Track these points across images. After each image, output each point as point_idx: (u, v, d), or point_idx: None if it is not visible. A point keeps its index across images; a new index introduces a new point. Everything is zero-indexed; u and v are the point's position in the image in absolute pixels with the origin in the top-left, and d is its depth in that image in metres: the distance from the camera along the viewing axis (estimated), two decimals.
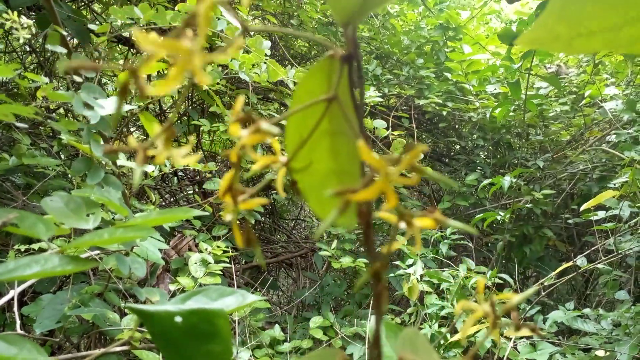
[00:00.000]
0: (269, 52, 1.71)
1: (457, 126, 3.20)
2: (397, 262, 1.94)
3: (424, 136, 3.11)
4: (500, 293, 2.03)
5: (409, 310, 1.91)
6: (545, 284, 2.09)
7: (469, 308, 0.46)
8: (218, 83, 1.84)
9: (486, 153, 3.07)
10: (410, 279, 1.73)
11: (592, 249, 2.32)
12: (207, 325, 0.44)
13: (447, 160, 3.32)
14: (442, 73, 2.97)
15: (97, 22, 1.59)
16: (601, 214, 2.18)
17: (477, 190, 2.61)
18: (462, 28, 2.98)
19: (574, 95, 2.87)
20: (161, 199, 2.07)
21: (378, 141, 2.19)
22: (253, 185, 0.47)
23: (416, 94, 2.81)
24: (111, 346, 0.81)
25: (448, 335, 1.71)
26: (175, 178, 2.24)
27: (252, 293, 0.63)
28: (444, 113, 2.87)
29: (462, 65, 2.73)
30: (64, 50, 1.33)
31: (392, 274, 2.03)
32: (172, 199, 2.11)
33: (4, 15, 1.24)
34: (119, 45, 1.86)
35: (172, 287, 1.58)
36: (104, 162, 1.39)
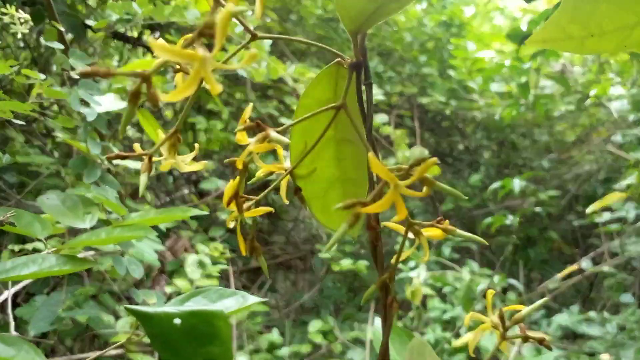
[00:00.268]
0: (269, 49, 1.67)
1: (460, 125, 3.16)
2: (400, 265, 1.90)
3: (426, 135, 3.07)
4: (505, 296, 2.00)
5: (411, 314, 1.88)
6: (550, 286, 2.06)
7: (479, 319, 0.44)
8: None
9: (490, 153, 3.03)
10: (413, 282, 1.69)
11: (597, 250, 2.29)
12: (207, 327, 0.44)
13: (450, 160, 3.28)
14: (445, 71, 2.93)
15: (93, 17, 1.55)
16: (606, 215, 2.15)
17: (481, 190, 2.58)
18: (466, 25, 2.94)
19: (580, 95, 2.84)
20: (156, 199, 2.03)
21: (381, 138, 2.16)
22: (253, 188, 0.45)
23: (419, 92, 2.77)
24: (107, 349, 0.78)
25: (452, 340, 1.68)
26: (171, 177, 2.21)
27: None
28: (447, 112, 2.83)
29: (466, 63, 2.69)
30: (60, 46, 1.29)
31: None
32: (167, 199, 2.08)
33: (2, 9, 1.21)
34: (114, 41, 1.82)
35: (169, 290, 1.55)
36: (99, 161, 1.36)
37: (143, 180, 0.35)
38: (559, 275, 2.12)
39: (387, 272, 0.37)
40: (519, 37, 1.99)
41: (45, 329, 1.28)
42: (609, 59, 2.78)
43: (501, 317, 0.43)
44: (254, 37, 0.36)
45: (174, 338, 0.43)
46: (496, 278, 1.85)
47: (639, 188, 2.02)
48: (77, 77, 1.28)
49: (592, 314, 2.08)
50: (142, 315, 0.43)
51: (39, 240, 0.75)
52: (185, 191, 2.28)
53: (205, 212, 0.86)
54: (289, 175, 0.44)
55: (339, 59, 0.42)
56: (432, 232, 0.38)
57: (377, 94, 2.08)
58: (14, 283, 1.09)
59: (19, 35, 1.18)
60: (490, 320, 0.43)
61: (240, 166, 0.38)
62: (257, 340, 1.85)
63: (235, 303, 0.56)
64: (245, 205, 0.40)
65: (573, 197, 2.72)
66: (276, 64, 1.70)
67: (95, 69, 0.26)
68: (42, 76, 1.11)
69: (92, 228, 1.02)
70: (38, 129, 1.59)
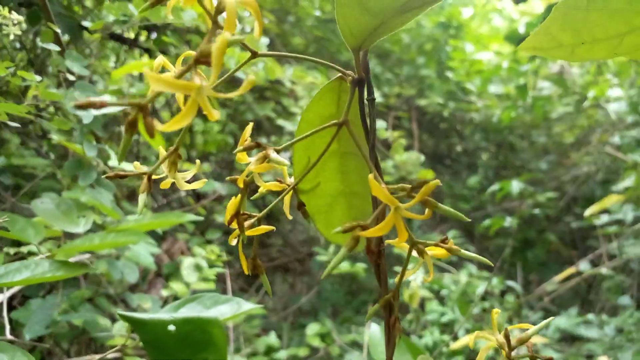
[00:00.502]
0: (265, 50, 1.66)
1: (458, 127, 3.16)
2: (397, 268, 1.89)
3: (424, 137, 3.07)
4: (503, 299, 1.99)
5: (408, 317, 1.87)
6: (548, 289, 2.05)
7: (484, 338, 0.43)
8: None
9: (488, 154, 3.03)
10: (411, 285, 1.68)
11: (595, 253, 2.29)
12: (201, 334, 0.43)
13: (448, 161, 3.28)
14: (443, 72, 2.93)
15: (89, 19, 1.54)
16: (604, 217, 2.15)
17: (479, 192, 2.57)
18: (464, 26, 2.93)
19: (578, 96, 2.84)
20: (153, 201, 2.02)
21: (379, 142, 2.15)
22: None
23: (417, 93, 2.77)
24: (106, 353, 0.77)
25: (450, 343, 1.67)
26: None
27: (247, 299, 0.62)
28: (445, 113, 2.83)
29: (464, 64, 2.69)
30: (57, 48, 1.28)
31: (391, 280, 1.98)
32: (164, 201, 2.06)
33: None
34: (111, 42, 1.81)
35: (165, 293, 1.54)
36: (95, 163, 1.35)
37: (142, 199, 0.34)
38: (557, 278, 2.12)
39: (391, 291, 0.37)
40: (516, 39, 1.99)
41: (40, 333, 1.27)
42: (607, 60, 2.78)
43: (507, 337, 0.42)
44: (254, 55, 0.36)
45: (169, 345, 0.42)
46: (494, 280, 1.85)
47: (637, 190, 2.02)
48: (73, 78, 1.28)
49: (590, 316, 2.08)
50: (136, 322, 0.43)
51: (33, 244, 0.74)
52: (182, 193, 2.28)
53: (200, 218, 0.86)
54: (292, 192, 0.43)
55: (340, 74, 0.42)
56: (436, 252, 0.37)
57: (375, 96, 2.07)
58: (9, 287, 1.08)
59: (11, 37, 1.17)
60: (496, 340, 0.42)
61: (241, 185, 0.38)
62: (254, 344, 1.84)
63: (230, 309, 0.55)
64: (247, 223, 0.40)
65: (571, 198, 2.72)
66: (274, 65, 1.69)
67: (90, 100, 0.26)
68: (38, 78, 1.10)
69: (88, 231, 1.01)
70: (34, 130, 1.58)
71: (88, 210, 1.25)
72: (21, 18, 1.27)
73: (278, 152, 0.37)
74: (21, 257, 1.24)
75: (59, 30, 1.29)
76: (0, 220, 0.71)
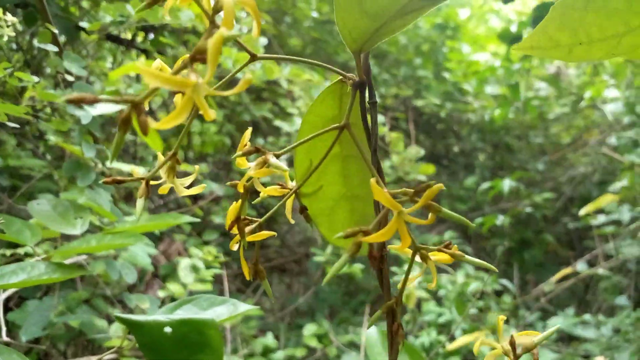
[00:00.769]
0: (263, 50, 1.66)
1: (455, 127, 3.16)
2: (394, 268, 1.89)
3: (421, 137, 3.07)
4: (499, 299, 1.99)
5: (406, 317, 1.87)
6: (545, 289, 2.05)
7: (489, 344, 0.43)
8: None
9: (485, 155, 3.04)
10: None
11: (592, 253, 2.29)
12: (198, 336, 0.44)
13: (445, 162, 3.28)
14: (440, 73, 2.93)
15: (86, 19, 1.54)
16: (601, 218, 2.15)
17: (475, 193, 2.58)
18: (461, 27, 2.94)
19: (574, 97, 2.84)
20: (150, 202, 2.02)
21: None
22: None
23: (414, 94, 2.77)
24: (103, 355, 0.77)
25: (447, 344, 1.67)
26: None
27: (245, 300, 0.62)
28: (442, 114, 2.83)
29: (461, 65, 2.69)
30: (54, 49, 1.28)
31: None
32: (161, 202, 2.06)
33: None
34: (108, 43, 1.81)
35: (162, 294, 1.53)
36: (93, 164, 1.35)
37: (140, 204, 0.34)
38: (554, 278, 2.12)
39: (394, 297, 0.37)
40: (509, 38, 2.00)
41: (37, 334, 1.26)
42: (603, 60, 2.79)
43: (512, 344, 0.41)
44: (254, 58, 0.35)
45: (165, 347, 0.42)
46: (488, 279, 1.85)
47: (633, 190, 2.02)
48: (71, 79, 1.28)
49: (587, 316, 2.08)
50: (132, 324, 0.43)
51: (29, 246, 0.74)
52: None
53: (197, 220, 0.85)
54: (294, 195, 0.43)
55: (341, 77, 0.42)
56: (439, 257, 0.37)
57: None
58: (5, 288, 1.08)
59: (5, 38, 1.17)
60: (502, 347, 0.42)
61: (241, 190, 0.38)
62: (251, 344, 1.83)
63: (227, 311, 0.55)
64: (248, 229, 0.40)
65: (568, 199, 2.72)
66: (271, 64, 1.69)
67: (82, 95, 0.25)
68: (35, 78, 1.10)
69: (85, 232, 1.01)
70: (31, 131, 1.58)
71: (85, 212, 1.25)
72: (15, 19, 1.26)
73: (278, 156, 0.36)
74: (17, 258, 1.23)
75: (56, 31, 1.29)
76: None
